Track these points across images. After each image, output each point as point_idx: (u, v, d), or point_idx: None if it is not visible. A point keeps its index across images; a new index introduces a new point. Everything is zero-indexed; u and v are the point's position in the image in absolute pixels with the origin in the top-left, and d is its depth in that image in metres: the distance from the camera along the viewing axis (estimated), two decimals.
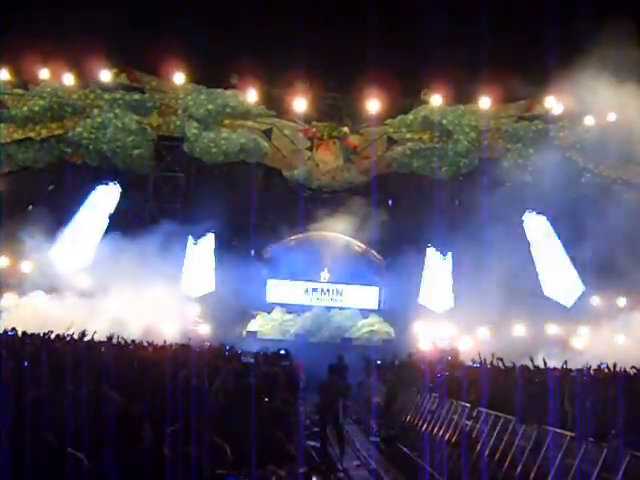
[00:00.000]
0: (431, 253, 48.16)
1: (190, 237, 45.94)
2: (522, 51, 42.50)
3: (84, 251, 44.69)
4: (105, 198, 46.59)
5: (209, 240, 46.44)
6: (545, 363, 20.50)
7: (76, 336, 23.01)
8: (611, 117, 47.49)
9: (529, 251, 46.24)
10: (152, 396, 10.84)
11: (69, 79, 46.74)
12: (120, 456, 8.61)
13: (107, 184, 46.62)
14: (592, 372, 20.92)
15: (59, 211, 44.95)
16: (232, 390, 11.19)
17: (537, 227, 48.55)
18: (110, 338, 23.06)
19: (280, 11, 44.33)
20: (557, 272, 47.74)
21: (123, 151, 47.58)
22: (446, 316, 45.23)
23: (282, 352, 30.25)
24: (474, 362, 28.43)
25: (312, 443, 22.24)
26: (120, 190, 46.86)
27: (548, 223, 48.22)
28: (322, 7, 45.06)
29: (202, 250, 46.35)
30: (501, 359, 25.18)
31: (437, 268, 47.91)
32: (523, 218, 48.29)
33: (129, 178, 48.00)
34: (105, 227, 45.60)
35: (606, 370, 21.58)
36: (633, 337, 43.76)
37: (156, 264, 41.73)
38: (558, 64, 41.43)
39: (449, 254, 47.50)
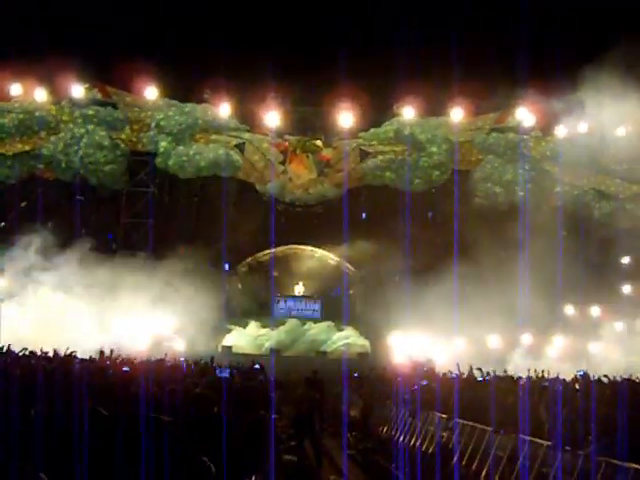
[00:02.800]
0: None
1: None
2: (493, 64, 42.72)
3: None
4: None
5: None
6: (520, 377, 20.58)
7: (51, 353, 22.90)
8: (583, 128, 47.79)
9: (503, 260, 46.35)
10: (125, 412, 10.79)
11: (41, 95, 46.54)
12: (93, 473, 8.55)
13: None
14: (566, 381, 21.05)
15: (32, 227, 44.70)
16: (207, 405, 11.15)
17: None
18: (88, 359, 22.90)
19: (251, 27, 44.42)
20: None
21: (95, 167, 47.36)
22: (421, 327, 45.23)
23: (257, 366, 30.11)
24: (450, 373, 28.50)
25: (289, 457, 22.15)
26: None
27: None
28: (293, 22, 45.19)
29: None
30: (479, 369, 25.30)
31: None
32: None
33: (101, 193, 47.84)
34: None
35: (581, 379, 21.72)
36: (607, 346, 44.03)
37: (131, 278, 41.69)
38: (529, 76, 41.67)
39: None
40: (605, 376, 21.23)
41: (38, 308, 41.65)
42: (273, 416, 16.28)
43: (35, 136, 47.23)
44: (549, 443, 15.15)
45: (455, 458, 19.02)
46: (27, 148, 47.33)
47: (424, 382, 26.54)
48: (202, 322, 43.47)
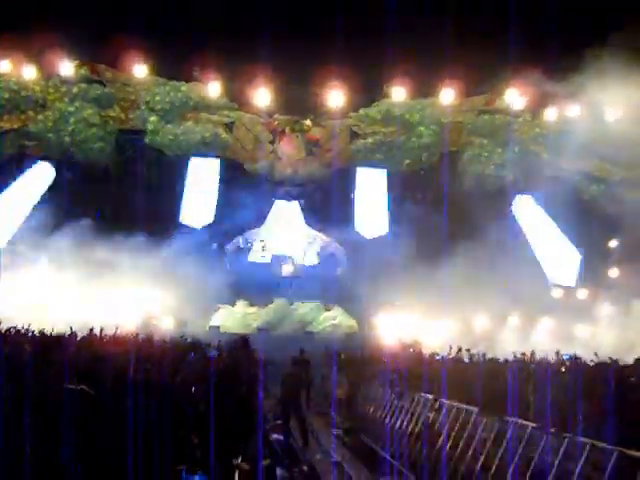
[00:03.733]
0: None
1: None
2: (484, 45, 42.62)
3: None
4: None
5: None
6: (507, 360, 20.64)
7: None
8: (573, 111, 47.84)
9: (494, 242, 46.36)
10: (113, 391, 10.77)
11: (30, 72, 46.27)
12: (80, 453, 8.54)
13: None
14: (553, 363, 21.11)
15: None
16: (195, 384, 11.17)
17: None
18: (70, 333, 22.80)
19: (242, 5, 44.18)
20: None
21: (84, 144, 47.23)
22: (409, 307, 45.27)
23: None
24: (437, 354, 28.57)
25: (275, 436, 22.26)
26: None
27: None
28: (284, 1, 44.97)
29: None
30: (468, 349, 25.38)
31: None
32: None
33: (90, 171, 47.70)
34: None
35: (567, 361, 21.78)
36: (594, 329, 44.21)
37: (117, 257, 41.70)
38: (520, 58, 41.61)
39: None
40: (592, 361, 21.30)
41: (27, 285, 41.60)
42: (261, 394, 16.31)
43: (24, 113, 47.00)
44: (535, 425, 15.22)
45: (443, 439, 19.10)
46: (15, 126, 47.12)
47: (408, 364, 26.56)
48: (191, 301, 43.45)
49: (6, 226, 45.01)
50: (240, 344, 24.58)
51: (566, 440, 13.88)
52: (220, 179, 49.12)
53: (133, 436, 8.79)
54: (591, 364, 19.67)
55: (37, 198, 45.98)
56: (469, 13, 43.94)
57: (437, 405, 21.13)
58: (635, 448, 12.24)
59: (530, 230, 49.36)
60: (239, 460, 11.74)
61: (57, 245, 42.85)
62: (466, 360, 25.63)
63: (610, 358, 19.04)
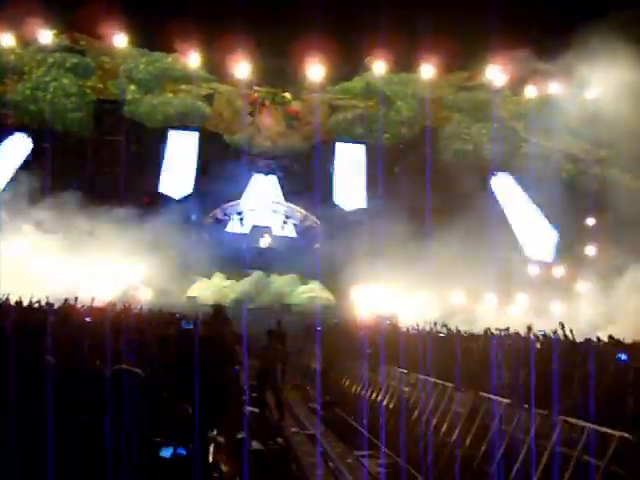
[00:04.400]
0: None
1: None
2: (465, 21, 42.56)
3: None
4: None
5: None
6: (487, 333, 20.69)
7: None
8: (553, 89, 47.97)
9: (473, 218, 46.46)
10: (91, 361, 10.78)
11: (7, 40, 45.91)
12: (57, 425, 8.54)
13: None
14: (528, 339, 21.21)
15: None
16: (172, 356, 11.19)
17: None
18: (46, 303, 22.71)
19: None
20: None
21: (62, 113, 47.00)
22: (385, 281, 45.35)
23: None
24: (413, 328, 28.67)
25: (251, 409, 22.28)
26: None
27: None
28: None
29: None
30: (444, 325, 25.46)
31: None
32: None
33: (67, 141, 47.46)
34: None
35: (541, 337, 21.88)
36: (570, 305, 44.43)
37: (96, 227, 41.64)
38: (501, 34, 41.59)
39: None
40: (565, 336, 21.42)
41: (7, 254, 41.40)
42: (236, 368, 16.36)
43: (1, 83, 46.64)
44: (509, 401, 15.32)
45: (418, 414, 19.22)
46: None
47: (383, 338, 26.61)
48: (168, 272, 43.41)
49: None
50: (213, 313, 24.48)
51: (539, 417, 13.99)
52: (199, 151, 49.01)
53: (110, 408, 8.80)
54: (564, 340, 19.78)
55: (14, 168, 45.69)
56: None
57: (412, 379, 21.24)
58: (608, 425, 12.36)
59: (508, 207, 49.55)
60: (214, 433, 11.78)
61: (37, 215, 42.70)
62: (442, 335, 25.75)
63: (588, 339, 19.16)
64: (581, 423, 12.81)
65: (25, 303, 22.63)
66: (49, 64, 46.90)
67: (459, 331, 23.24)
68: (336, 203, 49.94)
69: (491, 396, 16.01)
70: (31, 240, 42.36)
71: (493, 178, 49.67)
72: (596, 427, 12.37)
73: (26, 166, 45.87)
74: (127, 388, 8.86)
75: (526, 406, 14.56)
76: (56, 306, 22.36)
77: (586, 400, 13.03)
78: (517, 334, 20.43)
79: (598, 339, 18.02)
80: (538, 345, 20.07)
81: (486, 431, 15.69)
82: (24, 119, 47.00)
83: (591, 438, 12.41)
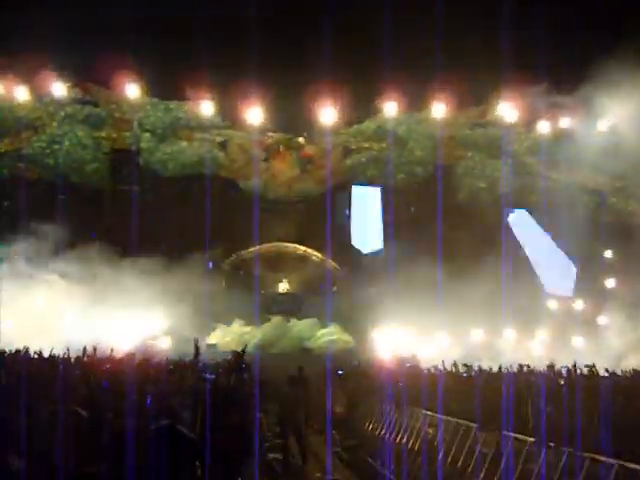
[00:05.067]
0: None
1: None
2: (476, 58, 42.70)
3: None
4: None
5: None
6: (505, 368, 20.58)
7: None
8: (567, 122, 48.02)
9: (490, 256, 46.35)
10: (110, 413, 10.73)
11: (22, 94, 46.28)
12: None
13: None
14: (551, 376, 21.07)
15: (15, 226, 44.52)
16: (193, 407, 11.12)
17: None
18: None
19: (235, 24, 44.23)
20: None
21: (78, 165, 47.25)
22: (404, 322, 45.20)
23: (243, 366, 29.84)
24: (435, 369, 28.53)
25: (274, 455, 22.14)
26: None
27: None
28: (276, 20, 45.11)
29: None
30: (465, 364, 25.31)
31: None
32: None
33: (84, 192, 47.67)
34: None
35: (565, 374, 21.74)
36: (591, 338, 44.18)
37: (117, 278, 41.73)
38: (512, 71, 41.72)
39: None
40: (591, 369, 21.26)
41: (24, 307, 41.49)
42: (258, 415, 16.25)
43: (17, 135, 46.98)
44: (533, 440, 15.18)
45: (440, 455, 19.06)
46: (9, 148, 47.10)
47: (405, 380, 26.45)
48: (187, 321, 43.35)
49: None
50: (233, 359, 24.44)
51: (565, 455, 13.84)
52: (215, 198, 49.07)
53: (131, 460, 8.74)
54: (587, 374, 19.65)
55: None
56: (460, 28, 43.99)
57: (435, 421, 21.09)
58: (634, 461, 12.22)
59: (526, 243, 49.41)
60: None
61: (54, 266, 42.84)
62: (464, 374, 25.61)
63: (607, 370, 19.03)
64: (607, 460, 12.67)
65: (45, 354, 22.66)
66: (63, 116, 47.21)
67: (480, 369, 23.12)
68: (354, 246, 49.87)
69: (515, 435, 15.87)
70: (49, 291, 42.49)
71: (510, 215, 49.55)
72: (623, 463, 12.23)
73: (44, 217, 45.96)
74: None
75: (552, 444, 14.42)
76: (74, 356, 22.35)
77: (610, 436, 12.91)
78: (540, 372, 20.31)
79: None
80: (562, 381, 19.94)
81: (512, 471, 15.53)
82: (40, 172, 47.22)
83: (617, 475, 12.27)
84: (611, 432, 13.29)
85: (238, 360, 22.36)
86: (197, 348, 23.38)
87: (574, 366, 21.81)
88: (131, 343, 38.93)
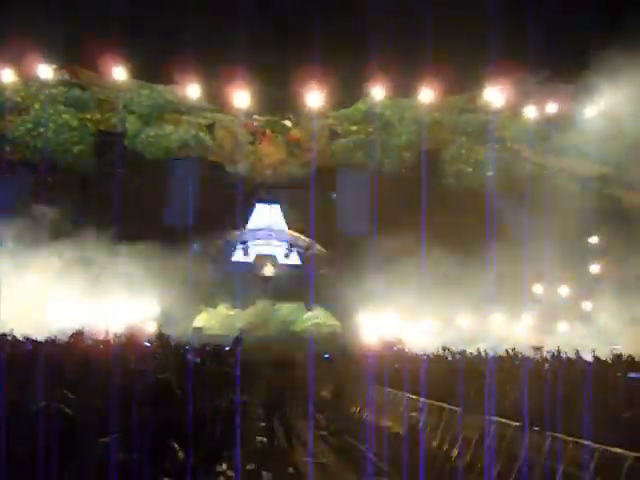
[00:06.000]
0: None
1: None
2: (464, 44, 42.68)
3: None
4: None
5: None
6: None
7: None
8: (551, 108, 48.08)
9: (474, 241, 46.40)
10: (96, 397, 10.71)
11: (8, 76, 46.09)
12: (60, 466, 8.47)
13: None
14: (535, 361, 21.17)
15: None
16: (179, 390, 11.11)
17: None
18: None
19: (222, 7, 44.11)
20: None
21: (64, 147, 47.06)
22: (390, 306, 45.27)
23: (227, 349, 29.87)
24: (421, 353, 28.65)
25: (260, 438, 22.18)
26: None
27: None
28: (260, 3, 45.00)
29: None
30: (448, 349, 25.41)
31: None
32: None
33: (70, 174, 47.52)
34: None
35: (550, 359, 21.85)
36: (576, 323, 44.38)
37: (99, 263, 41.66)
38: (500, 56, 41.71)
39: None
40: (576, 354, 21.38)
41: (12, 291, 41.42)
42: (244, 399, 16.28)
43: (2, 118, 46.77)
44: (518, 424, 15.25)
45: (422, 438, 19.14)
46: None
47: (395, 365, 26.48)
48: (174, 303, 43.38)
49: None
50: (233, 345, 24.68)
51: (549, 439, 13.92)
52: (201, 181, 49.01)
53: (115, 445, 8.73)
54: (571, 360, 19.76)
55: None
56: (450, 12, 43.97)
57: (420, 405, 21.16)
58: (616, 445, 12.29)
59: (512, 228, 49.42)
60: (224, 467, 11.70)
61: (38, 250, 42.72)
62: (449, 358, 25.71)
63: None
64: (590, 444, 12.74)
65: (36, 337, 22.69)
66: (49, 99, 47.00)
67: (462, 354, 23.19)
68: (340, 229, 49.87)
69: (499, 419, 15.94)
70: (37, 275, 42.43)
71: (493, 199, 49.58)
72: (606, 448, 12.30)
73: (30, 199, 45.87)
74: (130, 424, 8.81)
75: (536, 428, 14.49)
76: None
77: (592, 421, 12.98)
78: (524, 356, 20.40)
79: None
80: (546, 365, 20.02)
81: (494, 454, 15.61)
82: (25, 154, 47.03)
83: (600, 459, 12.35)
84: (593, 418, 13.36)
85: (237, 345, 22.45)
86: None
87: (558, 351, 21.97)
88: (118, 326, 38.94)
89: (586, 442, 12.90)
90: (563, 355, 21.77)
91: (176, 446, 8.36)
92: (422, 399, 20.92)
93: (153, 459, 8.18)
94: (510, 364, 20.98)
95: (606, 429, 12.90)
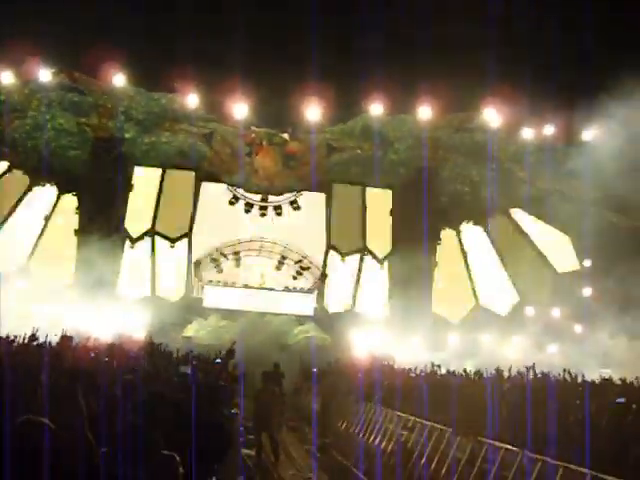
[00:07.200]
0: (368, 261, 48.64)
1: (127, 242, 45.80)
2: (463, 63, 42.80)
3: (20, 251, 44.58)
4: (41, 199, 46.45)
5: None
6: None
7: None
8: (548, 130, 48.20)
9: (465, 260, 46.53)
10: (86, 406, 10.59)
11: (7, 78, 46.05)
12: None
13: (44, 185, 46.32)
14: (526, 382, 21.11)
15: None
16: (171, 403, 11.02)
17: (474, 238, 49.25)
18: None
19: (223, 19, 44.24)
20: (493, 282, 48.48)
21: (61, 152, 46.93)
22: (382, 323, 45.28)
23: (218, 360, 29.76)
24: (411, 370, 28.61)
25: (247, 451, 22.12)
26: (56, 192, 46.59)
27: (485, 234, 48.93)
28: (263, 15, 45.10)
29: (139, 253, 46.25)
30: (439, 365, 25.39)
31: (374, 276, 48.55)
32: (460, 229, 48.91)
33: (65, 179, 47.45)
34: (42, 228, 45.40)
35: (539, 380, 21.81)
36: (566, 346, 44.35)
37: (92, 269, 41.60)
38: (498, 77, 41.84)
39: (386, 263, 48.06)
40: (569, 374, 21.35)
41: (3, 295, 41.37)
42: (234, 412, 16.22)
43: (0, 120, 46.67)
44: (509, 447, 15.20)
45: (416, 458, 19.08)
46: None
47: (384, 382, 26.44)
48: (165, 313, 43.30)
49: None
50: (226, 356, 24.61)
51: (539, 463, 13.87)
52: (196, 191, 49.01)
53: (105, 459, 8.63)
54: (562, 382, 19.72)
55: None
56: (448, 31, 44.14)
57: (410, 424, 21.11)
58: (607, 470, 12.26)
59: (505, 249, 49.48)
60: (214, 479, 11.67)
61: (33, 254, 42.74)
62: (438, 376, 25.69)
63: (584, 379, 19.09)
64: (581, 470, 12.70)
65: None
66: (48, 102, 46.92)
67: (454, 372, 23.16)
68: (332, 245, 49.86)
69: (491, 441, 15.89)
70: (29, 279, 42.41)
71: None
72: (597, 474, 12.26)
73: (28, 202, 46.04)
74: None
75: (526, 452, 14.44)
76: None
77: (586, 444, 12.95)
78: (515, 376, 20.36)
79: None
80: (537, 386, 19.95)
81: (484, 476, 15.56)
82: (21, 157, 46.92)
83: None
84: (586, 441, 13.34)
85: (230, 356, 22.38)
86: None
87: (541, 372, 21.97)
88: (106, 334, 38.83)
89: (576, 467, 12.87)
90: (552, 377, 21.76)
91: (177, 459, 8.26)
92: (414, 418, 20.88)
93: (149, 473, 8.10)
94: (501, 385, 20.93)
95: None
